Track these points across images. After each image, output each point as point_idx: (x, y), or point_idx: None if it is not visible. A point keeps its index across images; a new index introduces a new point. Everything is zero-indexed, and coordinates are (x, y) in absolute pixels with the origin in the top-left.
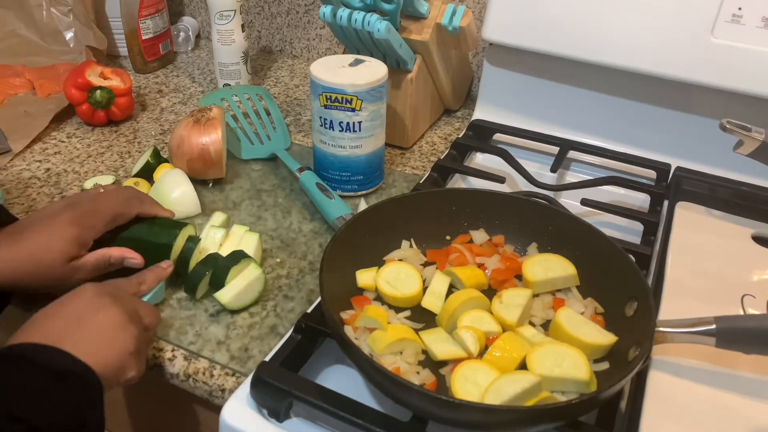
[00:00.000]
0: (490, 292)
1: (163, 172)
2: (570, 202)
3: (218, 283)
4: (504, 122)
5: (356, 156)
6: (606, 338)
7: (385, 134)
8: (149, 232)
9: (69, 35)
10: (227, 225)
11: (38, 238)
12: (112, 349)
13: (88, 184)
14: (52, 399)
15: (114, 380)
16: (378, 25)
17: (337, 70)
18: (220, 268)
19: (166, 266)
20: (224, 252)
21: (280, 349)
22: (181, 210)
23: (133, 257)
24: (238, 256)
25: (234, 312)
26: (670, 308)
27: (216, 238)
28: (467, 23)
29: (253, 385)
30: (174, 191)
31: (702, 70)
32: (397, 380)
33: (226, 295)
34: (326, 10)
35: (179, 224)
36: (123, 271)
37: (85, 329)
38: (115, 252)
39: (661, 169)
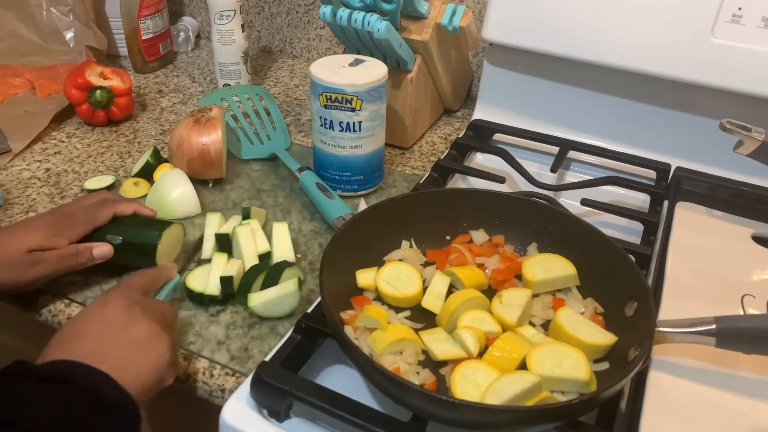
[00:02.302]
0: (490, 292)
1: (163, 172)
2: (570, 202)
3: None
4: (504, 122)
5: (356, 156)
6: (606, 338)
7: (385, 134)
8: (134, 233)
9: (69, 35)
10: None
11: (9, 230)
12: (151, 363)
13: (89, 184)
14: (95, 429)
15: (154, 392)
16: (378, 25)
17: (337, 70)
18: (271, 274)
19: (171, 267)
20: (254, 246)
21: (280, 349)
22: (181, 210)
23: (100, 245)
24: (283, 266)
25: (235, 312)
26: (670, 308)
27: (246, 233)
28: (467, 23)
29: (253, 385)
30: (174, 191)
31: (702, 70)
32: (397, 380)
33: (256, 299)
34: (326, 10)
35: (164, 223)
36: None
37: (121, 347)
38: (81, 246)
39: (661, 169)
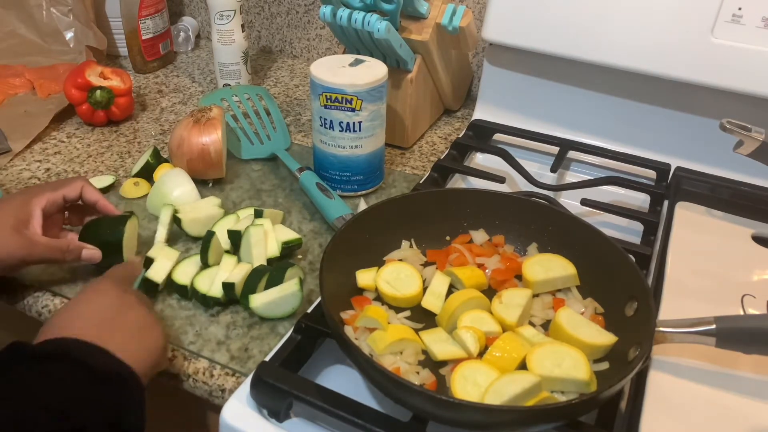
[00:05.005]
0: (490, 292)
1: (163, 172)
2: (570, 202)
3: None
4: (504, 122)
5: (356, 156)
6: (606, 338)
7: (385, 134)
8: (98, 234)
9: (69, 35)
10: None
11: None
12: (148, 347)
13: None
14: (97, 400)
15: (150, 377)
16: (378, 25)
17: (337, 70)
18: (273, 276)
19: (139, 261)
20: (264, 249)
21: (280, 349)
22: None
23: (91, 249)
24: (285, 266)
25: (235, 312)
26: (670, 308)
27: (259, 234)
28: (467, 23)
29: (253, 385)
30: (175, 190)
31: (702, 70)
32: (397, 380)
33: (257, 300)
34: (326, 10)
35: (122, 219)
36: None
37: (121, 330)
38: (73, 244)
39: (661, 169)
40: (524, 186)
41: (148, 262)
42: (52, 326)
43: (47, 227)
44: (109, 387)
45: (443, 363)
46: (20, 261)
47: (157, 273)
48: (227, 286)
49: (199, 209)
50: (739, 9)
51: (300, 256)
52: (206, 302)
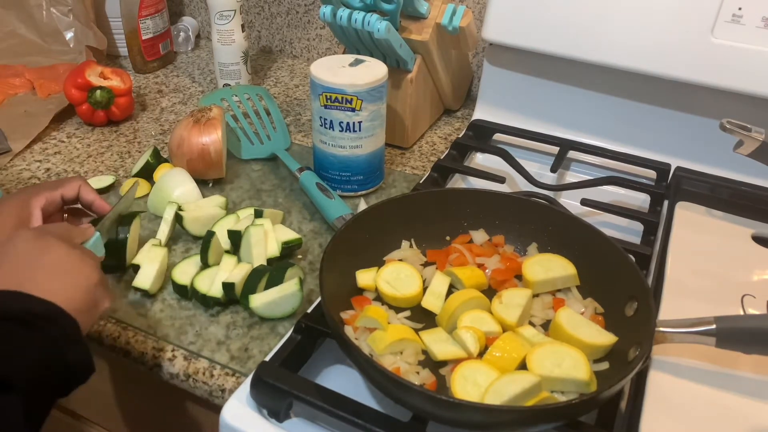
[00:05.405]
0: (490, 292)
1: (163, 172)
2: (570, 202)
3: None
4: (504, 122)
5: (356, 156)
6: (606, 338)
7: (385, 134)
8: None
9: (69, 35)
10: (225, 207)
11: None
12: (77, 284)
13: None
14: (19, 346)
15: (90, 317)
16: (378, 25)
17: (337, 70)
18: (273, 276)
19: (86, 227)
20: (264, 249)
21: (280, 349)
22: None
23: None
24: (285, 266)
25: (235, 312)
26: (670, 308)
27: (259, 234)
28: (467, 23)
29: (253, 385)
30: (176, 189)
31: (702, 70)
32: (397, 380)
33: (257, 300)
34: (326, 10)
35: (127, 218)
36: None
37: (41, 270)
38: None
39: (661, 169)
40: (524, 186)
41: (135, 269)
42: None
43: None
44: (32, 330)
45: (443, 363)
46: None
47: (144, 280)
48: (227, 286)
49: (203, 207)
50: (739, 9)
51: (300, 256)
52: (206, 302)
